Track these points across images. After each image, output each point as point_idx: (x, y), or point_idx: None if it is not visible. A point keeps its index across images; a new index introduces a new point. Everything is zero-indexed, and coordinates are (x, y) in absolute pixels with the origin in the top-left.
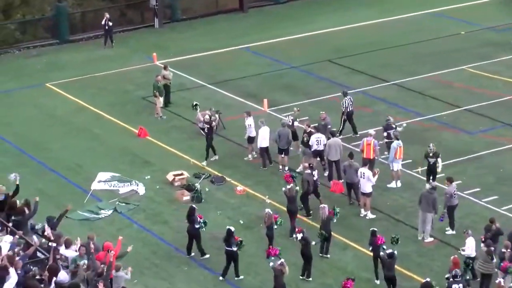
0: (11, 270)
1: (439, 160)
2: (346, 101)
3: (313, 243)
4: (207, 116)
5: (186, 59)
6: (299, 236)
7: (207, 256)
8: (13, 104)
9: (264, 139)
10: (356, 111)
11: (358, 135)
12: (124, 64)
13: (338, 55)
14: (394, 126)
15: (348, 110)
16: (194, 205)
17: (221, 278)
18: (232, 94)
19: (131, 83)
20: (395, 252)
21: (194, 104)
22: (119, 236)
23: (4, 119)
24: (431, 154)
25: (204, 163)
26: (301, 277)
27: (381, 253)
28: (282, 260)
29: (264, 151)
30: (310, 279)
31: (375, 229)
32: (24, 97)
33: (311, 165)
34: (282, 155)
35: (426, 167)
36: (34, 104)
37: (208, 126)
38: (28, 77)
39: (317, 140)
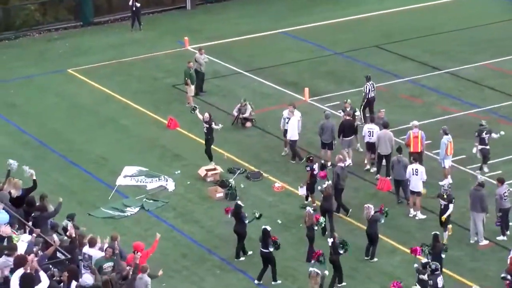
0: (42, 274)
1: (493, 134)
2: (368, 86)
3: (316, 228)
4: (206, 115)
5: (220, 43)
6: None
7: (250, 253)
8: (33, 92)
9: (293, 130)
10: (405, 102)
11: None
12: (153, 48)
13: (386, 40)
14: (486, 131)
15: (369, 96)
16: (240, 202)
17: (256, 282)
18: (270, 83)
19: (161, 69)
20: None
21: (192, 107)
22: (157, 234)
23: (23, 108)
24: (484, 132)
25: (212, 164)
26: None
27: (415, 265)
28: (324, 270)
29: (292, 144)
30: (344, 283)
31: (437, 232)
32: (45, 84)
33: (311, 157)
34: (325, 149)
35: (478, 148)
36: (56, 92)
37: (208, 126)
38: (49, 62)
39: (370, 131)
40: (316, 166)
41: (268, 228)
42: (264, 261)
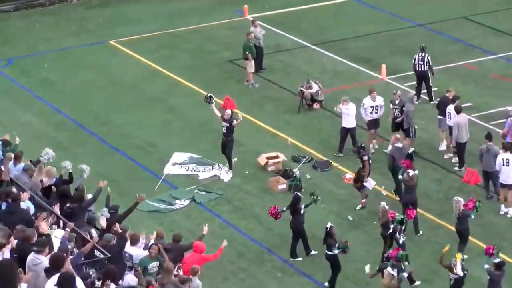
0: (78, 281)
1: None
2: (413, 58)
3: (391, 226)
4: (228, 112)
5: (284, 13)
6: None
7: (314, 252)
8: (70, 67)
9: (348, 116)
10: (496, 83)
11: (432, 102)
12: (207, 18)
13: (475, 11)
14: None
15: (419, 69)
16: (299, 194)
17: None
18: (341, 58)
19: (215, 42)
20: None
21: (207, 96)
22: (224, 242)
23: (58, 86)
24: None
25: (228, 174)
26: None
27: (486, 266)
28: (404, 274)
29: (346, 132)
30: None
31: None
32: (83, 57)
33: (363, 145)
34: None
35: None
36: (95, 67)
37: (228, 125)
38: (88, 33)
39: (448, 113)
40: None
41: (329, 225)
42: (331, 264)
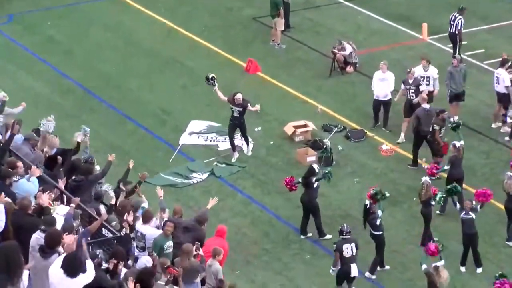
0: (88, 263)
1: None
2: (452, 17)
3: (433, 203)
4: (239, 96)
5: None
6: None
7: (329, 237)
8: (77, 25)
9: (384, 85)
10: None
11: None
12: None
13: None
14: None
15: (449, 30)
16: (315, 165)
17: (367, 274)
18: (377, 16)
19: None
20: None
21: (210, 76)
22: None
23: (65, 46)
24: None
25: (248, 152)
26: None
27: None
28: (441, 263)
29: (379, 105)
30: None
31: None
32: (92, 14)
33: None
34: (456, 102)
35: None
36: (105, 25)
37: (241, 109)
38: None
39: (496, 78)
40: None
41: (368, 202)
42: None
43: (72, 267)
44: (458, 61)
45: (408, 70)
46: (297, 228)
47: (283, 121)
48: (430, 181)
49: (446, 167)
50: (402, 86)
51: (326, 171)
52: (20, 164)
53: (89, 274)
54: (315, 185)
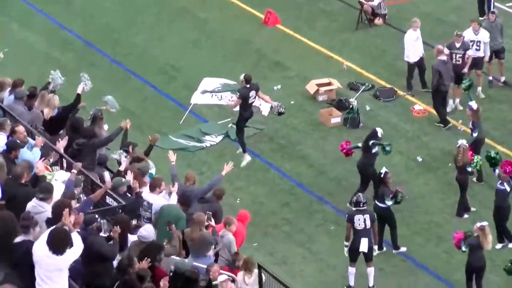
0: (74, 236)
1: None
2: None
3: (470, 169)
4: (241, 77)
5: None
6: None
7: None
8: None
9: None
10: None
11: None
12: None
13: None
14: None
15: None
16: (378, 129)
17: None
18: None
19: None
20: None
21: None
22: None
23: None
24: None
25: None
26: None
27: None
28: (484, 224)
29: (413, 65)
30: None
31: None
32: None
33: None
34: (495, 60)
35: None
36: None
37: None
38: None
39: None
40: None
41: (384, 170)
42: (379, 219)
43: (59, 243)
44: (495, 16)
45: (459, 33)
46: (320, 196)
47: (305, 79)
48: (467, 145)
49: (474, 134)
50: (446, 51)
51: (388, 144)
52: (21, 129)
53: (76, 249)
54: (373, 150)
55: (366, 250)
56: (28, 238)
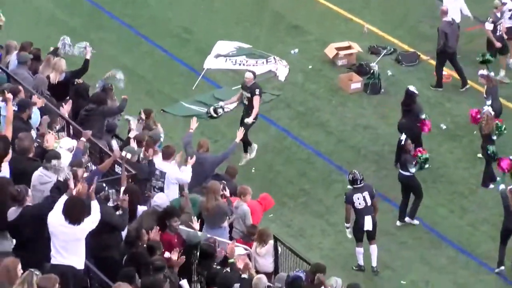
0: (93, 204)
1: None
2: None
3: (495, 137)
4: (248, 75)
5: None
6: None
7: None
8: None
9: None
10: None
11: None
12: None
13: None
14: None
15: None
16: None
17: (398, 222)
18: None
19: None
20: None
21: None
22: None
23: None
24: None
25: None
26: None
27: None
28: None
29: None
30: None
31: None
32: None
33: None
34: None
35: None
36: None
37: (249, 95)
38: None
39: None
40: None
41: (403, 137)
42: (403, 187)
43: (76, 213)
44: (501, 7)
45: (503, 1)
46: (339, 165)
47: (323, 42)
48: (492, 112)
49: (488, 102)
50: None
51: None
52: (21, 89)
53: (94, 217)
54: (422, 115)
55: (370, 228)
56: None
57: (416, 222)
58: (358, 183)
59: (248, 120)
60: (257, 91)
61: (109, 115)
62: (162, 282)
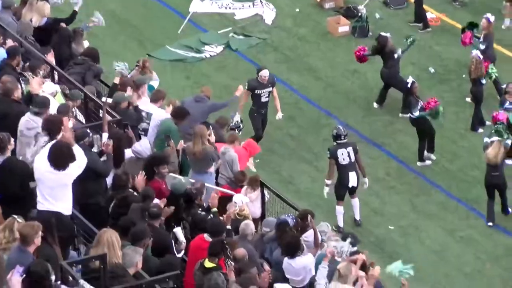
0: (76, 149)
1: None
2: None
3: (400, 51)
4: (265, 73)
5: None
6: None
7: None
8: None
9: None
10: None
11: None
12: None
13: None
14: None
15: None
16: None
17: (418, 163)
18: None
19: None
20: None
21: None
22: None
23: None
24: None
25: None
26: None
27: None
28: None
29: None
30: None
31: None
32: None
33: None
34: None
35: None
36: None
37: (271, 88)
38: None
39: None
40: None
41: (410, 80)
42: (417, 131)
43: (61, 158)
44: None
45: None
46: (328, 110)
47: None
48: (481, 56)
49: (482, 47)
50: None
51: (410, 39)
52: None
53: (80, 162)
54: (396, 55)
55: (355, 184)
56: (7, 156)
57: (429, 162)
58: (342, 138)
59: (279, 115)
60: (275, 80)
61: (98, 77)
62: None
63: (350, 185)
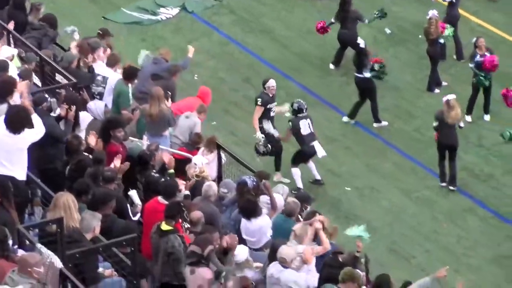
0: (34, 117)
1: None
2: None
3: (366, 21)
4: (273, 83)
5: None
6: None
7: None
8: None
9: None
10: None
11: None
12: None
13: None
14: None
15: None
16: None
17: (345, 119)
18: None
19: None
20: None
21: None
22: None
23: None
24: None
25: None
26: None
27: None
28: (452, 96)
29: None
30: None
31: None
32: None
33: None
34: None
35: None
36: None
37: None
38: None
39: None
40: None
41: (362, 41)
42: (360, 92)
43: (16, 122)
44: None
45: None
46: (284, 72)
47: None
48: (438, 15)
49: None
50: None
51: (377, 13)
52: None
53: (38, 130)
54: (361, 22)
55: (325, 153)
56: None
57: (385, 123)
58: (304, 112)
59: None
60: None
61: (53, 41)
62: (113, 193)
63: (320, 156)
